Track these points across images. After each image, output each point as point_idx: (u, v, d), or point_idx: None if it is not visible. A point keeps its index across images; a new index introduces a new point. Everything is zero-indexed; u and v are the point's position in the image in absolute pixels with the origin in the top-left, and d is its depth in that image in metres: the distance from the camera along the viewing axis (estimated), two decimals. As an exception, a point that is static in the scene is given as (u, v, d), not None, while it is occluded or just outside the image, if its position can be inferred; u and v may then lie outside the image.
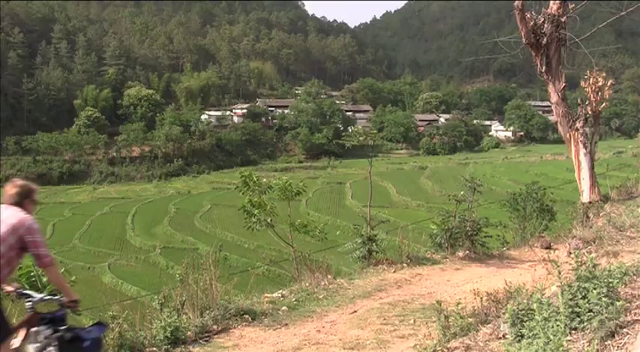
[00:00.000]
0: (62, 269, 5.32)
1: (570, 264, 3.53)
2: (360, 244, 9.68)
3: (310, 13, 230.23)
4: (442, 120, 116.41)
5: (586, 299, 3.18)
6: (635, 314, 3.18)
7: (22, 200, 3.86)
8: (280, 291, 7.67)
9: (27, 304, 3.84)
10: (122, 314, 5.22)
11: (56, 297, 3.92)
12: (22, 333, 3.74)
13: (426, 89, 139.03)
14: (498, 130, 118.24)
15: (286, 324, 6.04)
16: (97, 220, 55.00)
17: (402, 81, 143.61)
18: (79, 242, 47.16)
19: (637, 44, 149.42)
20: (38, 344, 3.71)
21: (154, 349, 5.16)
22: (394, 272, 8.78)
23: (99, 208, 61.13)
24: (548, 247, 10.20)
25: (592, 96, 11.21)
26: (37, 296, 3.89)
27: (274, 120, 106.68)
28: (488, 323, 4.15)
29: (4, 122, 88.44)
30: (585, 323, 3.09)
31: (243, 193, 9.27)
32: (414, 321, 5.94)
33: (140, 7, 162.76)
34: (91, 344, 3.82)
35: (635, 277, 3.84)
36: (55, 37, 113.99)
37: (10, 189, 3.87)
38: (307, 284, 7.90)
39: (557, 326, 2.95)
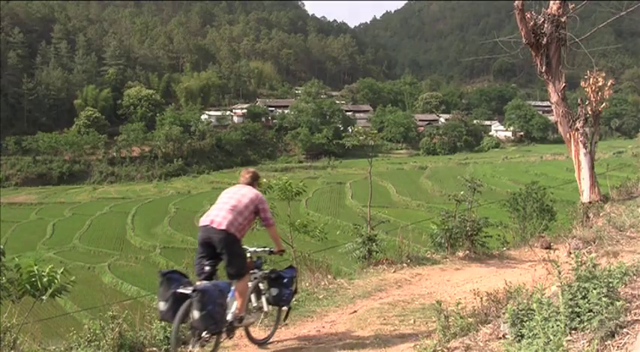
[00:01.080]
0: (62, 269, 5.32)
1: (570, 264, 3.54)
2: (360, 244, 9.68)
3: (310, 13, 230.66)
4: (442, 120, 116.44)
5: (586, 299, 3.18)
6: (635, 314, 3.18)
7: (253, 181, 5.53)
8: (280, 291, 7.66)
9: (247, 254, 5.31)
10: (122, 314, 5.21)
11: (267, 248, 5.57)
12: (242, 291, 5.17)
13: (426, 89, 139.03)
14: (498, 130, 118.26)
15: (286, 324, 6.04)
16: (97, 220, 55.00)
17: (402, 81, 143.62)
18: (79, 242, 47.17)
19: (637, 44, 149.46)
20: (254, 281, 5.39)
21: (154, 349, 5.15)
22: (394, 272, 8.78)
23: (99, 208, 61.14)
24: (548, 247, 10.20)
25: (592, 96, 11.21)
26: (252, 249, 5.49)
27: (274, 120, 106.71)
28: (488, 323, 4.15)
29: (4, 122, 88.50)
30: (585, 323, 3.09)
31: (243, 193, 9.27)
32: (414, 321, 5.94)
33: (140, 7, 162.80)
34: (288, 280, 5.53)
35: (635, 277, 3.84)
36: (55, 37, 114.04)
37: (245, 174, 5.63)
38: (307, 284, 7.90)
39: (557, 326, 2.95)
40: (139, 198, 68.97)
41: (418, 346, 4.15)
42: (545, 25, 10.68)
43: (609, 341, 2.92)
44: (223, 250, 4.93)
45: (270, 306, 5.52)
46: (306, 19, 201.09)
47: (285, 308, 5.64)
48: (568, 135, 11.10)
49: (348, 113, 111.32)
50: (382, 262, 9.28)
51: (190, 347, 4.65)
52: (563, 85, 11.11)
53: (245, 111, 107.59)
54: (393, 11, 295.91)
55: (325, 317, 6.33)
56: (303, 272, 8.47)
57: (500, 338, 3.64)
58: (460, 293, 7.08)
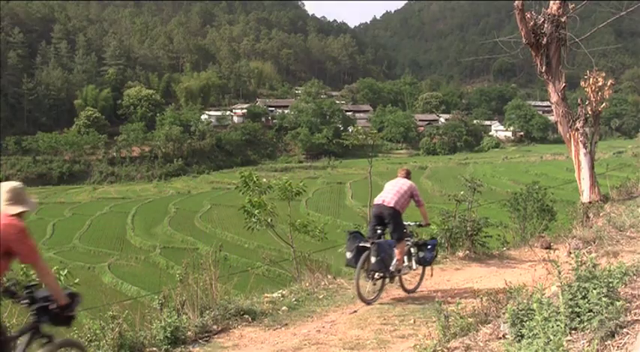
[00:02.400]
0: (66, 271, 5.32)
1: (570, 264, 3.53)
2: (360, 244, 9.68)
3: (310, 13, 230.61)
4: (442, 120, 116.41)
5: (586, 299, 3.18)
6: (635, 314, 3.18)
7: (407, 175, 7.77)
8: (280, 291, 7.66)
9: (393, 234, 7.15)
10: (122, 314, 5.22)
11: (417, 222, 7.75)
12: (401, 250, 7.10)
13: (426, 89, 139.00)
14: (498, 130, 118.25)
15: (286, 324, 6.04)
16: (97, 220, 54.99)
17: (402, 81, 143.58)
18: (79, 242, 47.15)
19: (637, 44, 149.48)
20: (408, 245, 7.31)
21: (154, 349, 5.16)
22: (394, 272, 8.77)
23: (99, 208, 61.12)
24: (548, 247, 10.20)
25: (592, 96, 11.21)
26: (407, 223, 7.49)
27: (274, 120, 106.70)
28: (488, 323, 4.15)
29: (4, 122, 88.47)
30: (585, 323, 3.09)
31: (243, 193, 9.27)
32: (414, 321, 5.94)
33: (140, 7, 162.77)
34: (431, 247, 7.57)
35: (635, 277, 3.84)
36: (55, 37, 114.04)
37: (401, 171, 7.92)
38: (307, 284, 7.90)
39: (557, 326, 2.95)
40: (139, 198, 68.96)
41: (418, 346, 4.15)
42: (545, 25, 10.68)
43: (609, 341, 2.92)
44: (390, 221, 7.09)
45: (417, 265, 7.45)
46: (306, 19, 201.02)
47: (428, 267, 7.67)
48: (568, 135, 11.11)
49: (348, 113, 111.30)
50: (382, 262, 9.28)
51: (368, 283, 6.78)
52: (563, 85, 11.11)
53: (245, 111, 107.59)
54: (393, 11, 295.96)
55: (325, 317, 6.33)
56: (303, 272, 8.48)
57: (500, 338, 3.64)
58: (460, 293, 7.08)
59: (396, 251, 6.95)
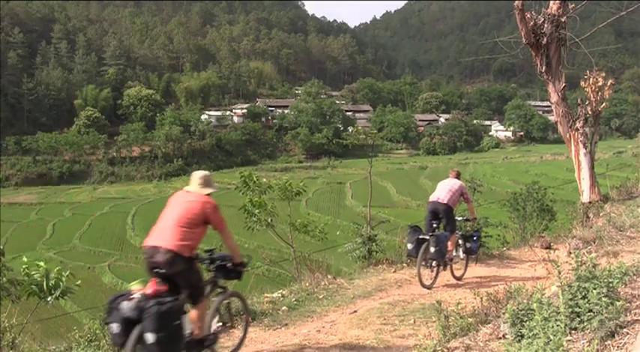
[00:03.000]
0: (68, 272, 5.32)
1: (570, 264, 3.53)
2: (360, 244, 9.69)
3: (310, 13, 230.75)
4: (442, 120, 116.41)
5: (586, 299, 3.18)
6: (635, 314, 3.18)
7: (458, 176, 8.63)
8: (280, 291, 7.66)
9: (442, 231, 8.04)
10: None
11: (465, 217, 9.00)
12: (453, 242, 8.04)
13: (426, 89, 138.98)
14: (498, 130, 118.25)
15: (286, 324, 6.04)
16: (97, 220, 55.00)
17: (402, 81, 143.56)
18: (79, 242, 47.15)
19: (637, 44, 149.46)
20: (458, 237, 8.34)
21: (154, 349, 5.14)
22: (394, 272, 8.78)
23: (99, 208, 61.12)
24: (548, 247, 10.21)
25: (592, 96, 11.21)
26: (459, 218, 8.76)
27: (274, 120, 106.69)
28: (489, 323, 4.15)
29: (4, 122, 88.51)
30: (585, 323, 3.09)
31: (243, 193, 9.27)
32: (414, 321, 5.94)
33: (140, 7, 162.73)
34: (476, 239, 8.61)
35: (635, 277, 3.84)
36: (55, 37, 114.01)
37: (452, 172, 8.73)
38: (307, 284, 7.90)
39: (557, 326, 2.95)
40: (139, 198, 68.95)
41: (418, 346, 4.15)
42: (545, 25, 10.68)
43: (609, 341, 2.92)
44: (444, 216, 7.98)
45: (464, 254, 8.41)
46: (306, 19, 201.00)
47: (472, 256, 8.71)
48: (568, 135, 11.11)
49: (348, 113, 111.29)
50: (382, 262, 9.29)
51: (428, 270, 7.69)
52: (563, 85, 11.11)
53: (245, 111, 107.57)
54: (393, 11, 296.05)
55: (325, 317, 6.34)
56: (303, 272, 8.48)
57: (500, 338, 3.64)
58: (460, 293, 7.08)
59: (449, 243, 7.85)
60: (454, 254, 8.17)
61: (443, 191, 8.24)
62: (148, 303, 4.08)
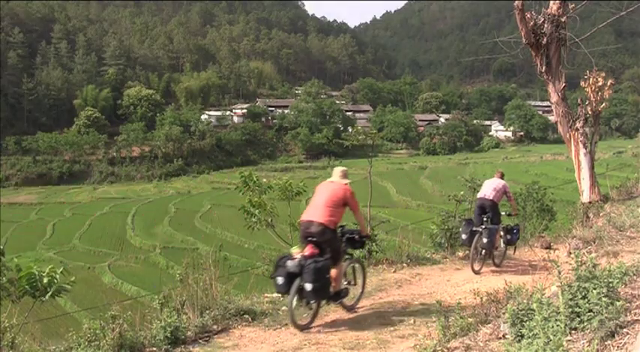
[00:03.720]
0: (61, 269, 5.31)
1: (570, 264, 3.53)
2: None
3: (310, 13, 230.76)
4: (442, 120, 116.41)
5: (586, 299, 3.18)
6: (635, 314, 3.18)
7: (502, 176, 9.68)
8: (280, 291, 7.65)
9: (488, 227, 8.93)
10: (122, 314, 5.21)
11: (507, 212, 9.90)
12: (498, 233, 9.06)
13: (426, 89, 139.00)
14: (498, 130, 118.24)
15: (286, 324, 6.04)
16: (97, 220, 54.99)
17: (402, 81, 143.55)
18: (79, 242, 47.14)
19: (637, 44, 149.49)
20: (501, 232, 9.21)
21: (154, 349, 5.15)
22: (394, 272, 8.78)
23: (99, 208, 61.12)
24: (548, 247, 10.23)
25: (592, 96, 11.21)
26: (503, 212, 9.60)
27: (274, 120, 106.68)
28: (489, 323, 4.15)
29: (4, 122, 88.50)
30: (585, 323, 3.09)
31: (243, 193, 9.26)
32: (414, 321, 5.94)
33: (140, 7, 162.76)
34: (516, 231, 9.45)
35: (635, 277, 3.84)
36: (55, 37, 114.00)
37: (497, 173, 9.85)
38: (307, 284, 7.89)
39: (557, 326, 2.95)
40: (139, 198, 68.95)
41: (418, 346, 4.15)
42: (545, 25, 10.68)
43: (609, 341, 2.92)
44: (490, 210, 9.07)
45: (504, 245, 9.32)
46: (306, 19, 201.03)
47: (511, 246, 9.58)
48: (568, 135, 11.11)
49: (348, 113, 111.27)
50: (382, 262, 9.28)
51: (475, 261, 8.67)
52: (563, 85, 11.11)
53: (245, 111, 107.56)
54: (393, 11, 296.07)
55: (325, 317, 6.33)
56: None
57: (500, 338, 3.64)
58: (460, 293, 7.08)
59: (496, 235, 8.91)
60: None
61: (489, 189, 9.37)
62: (306, 262, 5.59)
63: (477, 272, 8.56)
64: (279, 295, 6.38)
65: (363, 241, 6.64)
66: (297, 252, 5.91)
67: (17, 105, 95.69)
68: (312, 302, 5.75)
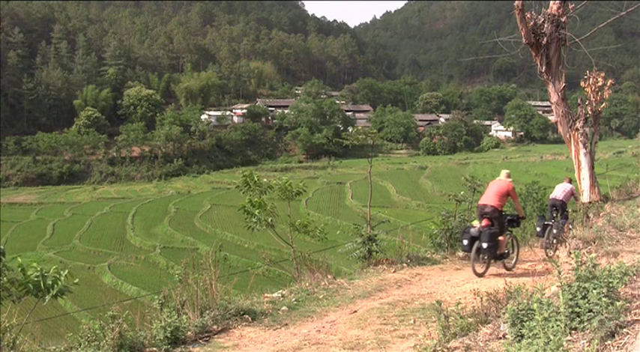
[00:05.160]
0: (66, 271, 5.31)
1: (570, 264, 3.53)
2: (360, 244, 9.67)
3: (310, 13, 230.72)
4: (442, 120, 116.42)
5: (586, 299, 3.18)
6: (635, 314, 3.18)
7: (570, 181, 11.25)
8: (280, 291, 7.66)
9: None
10: (122, 314, 5.21)
11: (573, 210, 10.89)
12: (567, 227, 10.23)
13: (426, 89, 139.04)
14: (498, 130, 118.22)
15: (286, 324, 6.04)
16: (97, 220, 54.99)
17: (402, 81, 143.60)
18: (79, 242, 47.15)
19: (637, 44, 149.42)
20: (569, 225, 10.44)
21: (154, 349, 5.15)
22: (394, 272, 8.78)
23: (99, 208, 61.13)
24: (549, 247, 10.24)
25: (592, 96, 11.22)
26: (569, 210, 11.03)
27: (274, 120, 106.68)
28: (489, 323, 4.15)
29: (4, 122, 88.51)
30: (585, 323, 3.09)
31: (243, 193, 9.26)
32: (414, 321, 5.94)
33: (140, 7, 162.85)
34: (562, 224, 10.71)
35: (635, 277, 3.84)
36: (55, 37, 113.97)
37: (566, 179, 11.45)
38: (307, 284, 7.89)
39: (557, 326, 2.95)
40: (139, 198, 68.97)
41: (418, 346, 4.14)
42: (545, 25, 10.68)
43: (609, 341, 2.92)
44: (559, 209, 10.68)
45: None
46: (306, 19, 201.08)
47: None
48: (568, 135, 11.11)
49: (348, 113, 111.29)
50: (382, 262, 9.28)
51: (544, 246, 10.22)
52: (563, 85, 11.11)
53: (245, 111, 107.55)
54: (393, 11, 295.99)
55: (325, 317, 6.33)
56: (303, 272, 8.47)
57: (500, 338, 3.64)
58: (460, 293, 7.08)
59: (566, 227, 10.39)
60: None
61: (559, 191, 11.02)
62: (483, 229, 8.48)
63: (549, 257, 9.64)
64: (464, 252, 9.36)
65: (519, 221, 9.22)
66: (475, 224, 8.78)
67: (17, 105, 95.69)
68: (485, 257, 8.40)
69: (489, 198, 8.79)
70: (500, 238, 8.44)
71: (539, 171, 63.20)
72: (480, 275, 8.26)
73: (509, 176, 9.19)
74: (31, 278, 4.98)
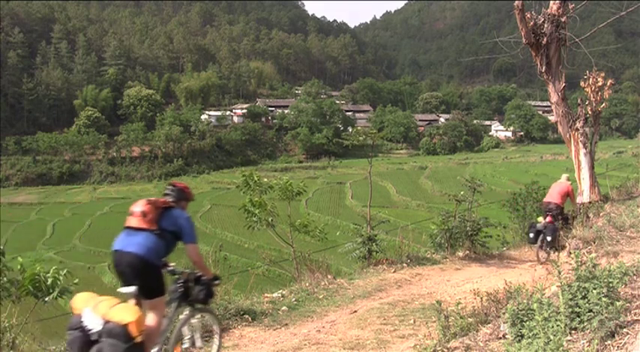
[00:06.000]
0: (65, 271, 5.31)
1: (570, 264, 3.53)
2: (360, 244, 9.68)
3: (310, 13, 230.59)
4: (442, 120, 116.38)
5: (586, 299, 3.18)
6: (635, 314, 3.18)
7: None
8: (280, 291, 7.66)
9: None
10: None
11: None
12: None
13: (426, 89, 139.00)
14: (498, 130, 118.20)
15: (286, 324, 6.04)
16: (97, 220, 54.98)
17: (402, 81, 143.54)
18: (79, 242, 47.13)
19: (637, 44, 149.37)
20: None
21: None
22: (394, 272, 8.78)
23: (99, 208, 61.11)
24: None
25: (592, 96, 11.22)
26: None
27: (274, 120, 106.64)
28: (489, 323, 4.15)
29: (4, 122, 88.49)
30: (585, 323, 3.09)
31: (244, 193, 9.25)
32: (414, 321, 5.94)
33: (140, 7, 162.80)
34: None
35: (635, 277, 3.84)
36: (55, 37, 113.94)
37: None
38: (307, 284, 7.89)
39: (557, 326, 2.95)
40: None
41: (418, 346, 4.15)
42: (545, 25, 10.68)
43: (609, 341, 2.92)
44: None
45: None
46: (306, 19, 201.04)
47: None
48: (568, 135, 11.11)
49: (348, 113, 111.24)
50: (382, 262, 9.29)
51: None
52: (563, 85, 11.11)
53: (245, 111, 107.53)
54: (393, 11, 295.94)
55: (325, 317, 6.33)
56: (303, 272, 8.47)
57: (500, 338, 3.64)
58: (460, 293, 7.08)
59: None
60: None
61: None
62: (548, 225, 9.77)
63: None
64: (530, 245, 10.68)
65: (568, 219, 10.35)
66: (540, 220, 10.15)
67: (17, 105, 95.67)
68: (548, 248, 9.79)
69: (553, 196, 10.25)
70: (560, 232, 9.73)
71: (539, 171, 63.16)
72: (543, 263, 9.42)
73: (568, 179, 10.50)
74: (29, 280, 4.98)
